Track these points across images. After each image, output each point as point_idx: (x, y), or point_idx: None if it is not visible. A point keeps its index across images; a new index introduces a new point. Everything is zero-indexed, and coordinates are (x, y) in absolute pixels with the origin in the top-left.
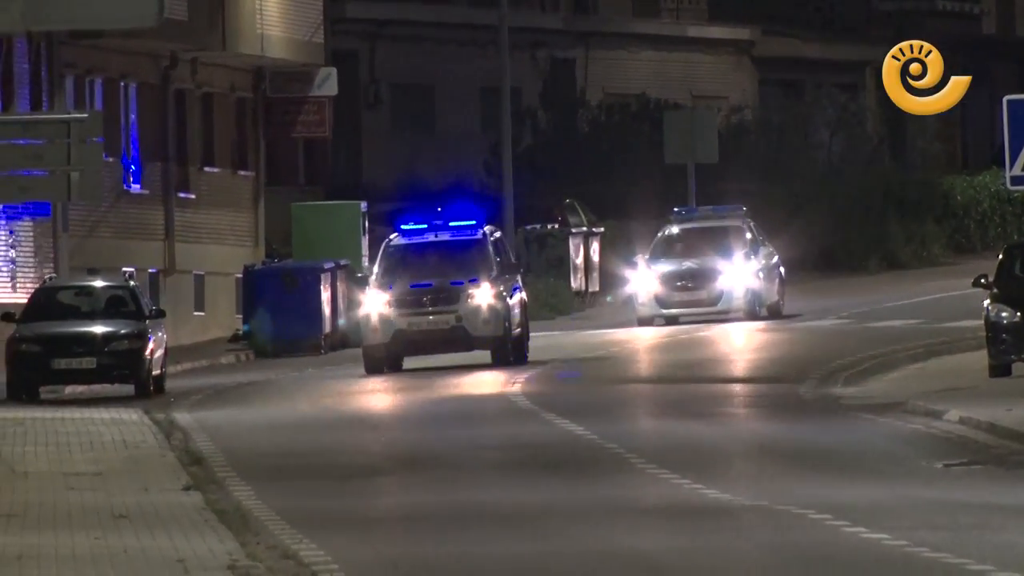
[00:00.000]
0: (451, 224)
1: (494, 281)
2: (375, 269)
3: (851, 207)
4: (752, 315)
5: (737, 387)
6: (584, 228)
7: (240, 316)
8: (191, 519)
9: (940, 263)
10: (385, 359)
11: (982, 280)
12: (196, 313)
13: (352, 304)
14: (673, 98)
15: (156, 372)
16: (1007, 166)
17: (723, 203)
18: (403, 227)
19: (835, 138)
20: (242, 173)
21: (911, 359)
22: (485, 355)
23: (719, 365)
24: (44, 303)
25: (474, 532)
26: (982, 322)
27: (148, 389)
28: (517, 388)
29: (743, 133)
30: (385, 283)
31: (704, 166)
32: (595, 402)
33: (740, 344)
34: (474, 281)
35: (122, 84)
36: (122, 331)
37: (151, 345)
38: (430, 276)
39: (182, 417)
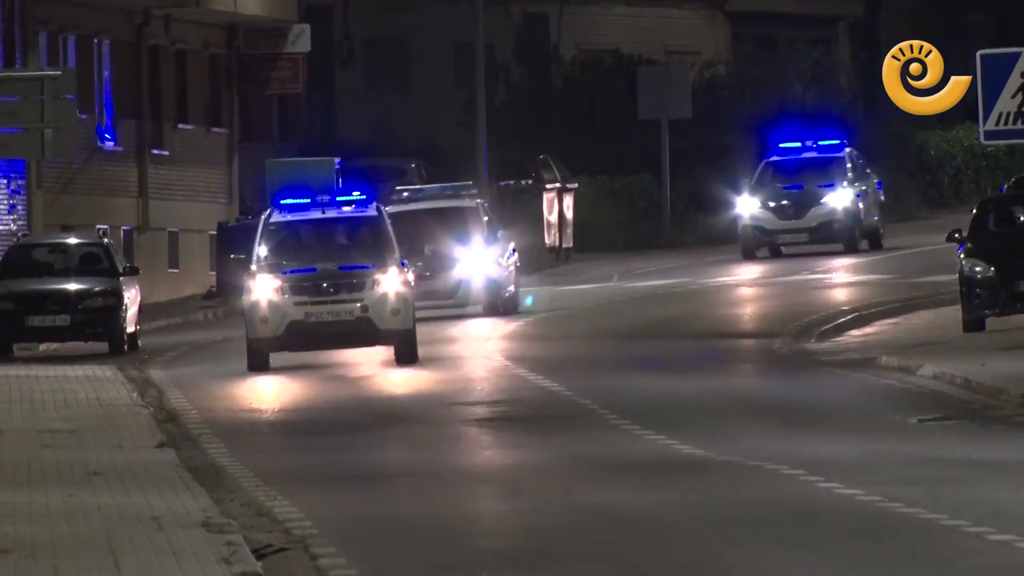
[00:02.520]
0: (339, 199)
1: (401, 266)
2: (256, 250)
3: None
4: (492, 309)
5: (711, 343)
6: (558, 184)
7: (214, 273)
8: (165, 476)
9: (914, 217)
10: (273, 354)
11: (956, 235)
12: (170, 270)
13: None
14: (646, 53)
15: (130, 329)
16: (980, 120)
17: (704, 158)
18: (283, 202)
19: (808, 93)
20: (216, 130)
21: (885, 314)
22: (376, 351)
23: (693, 321)
24: (18, 260)
25: (449, 489)
26: (956, 277)
27: (122, 346)
28: (491, 345)
29: (717, 88)
30: (275, 266)
31: (678, 121)
32: (568, 358)
33: (714, 299)
34: (375, 267)
35: (95, 41)
36: (96, 288)
37: (125, 302)
38: (322, 259)
39: (156, 374)
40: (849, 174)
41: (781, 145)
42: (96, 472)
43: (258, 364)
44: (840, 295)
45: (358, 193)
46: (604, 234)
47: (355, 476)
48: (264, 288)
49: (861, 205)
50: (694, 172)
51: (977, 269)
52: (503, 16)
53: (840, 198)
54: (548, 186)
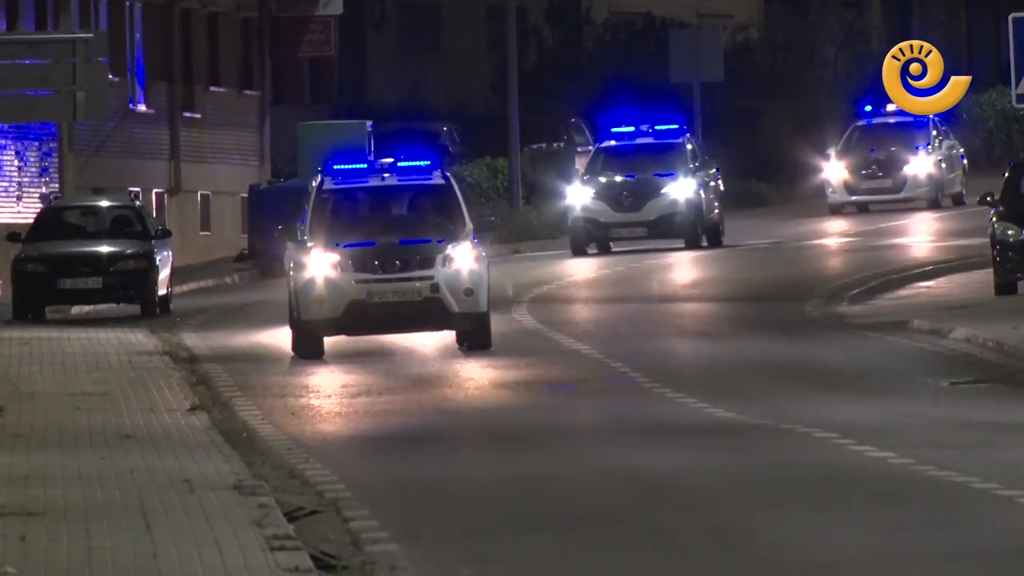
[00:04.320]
0: (399, 165)
1: (474, 240)
2: (308, 221)
3: None
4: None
5: (742, 306)
6: (590, 147)
7: (246, 236)
8: (197, 439)
9: None
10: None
11: (988, 198)
12: (202, 233)
13: None
14: (678, 17)
15: (162, 292)
16: (1013, 84)
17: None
18: (336, 167)
19: (840, 56)
20: (248, 92)
21: (917, 277)
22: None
23: (724, 284)
24: (50, 223)
25: (481, 452)
26: (988, 240)
27: (154, 309)
28: (524, 309)
29: (749, 51)
30: (331, 239)
31: (709, 84)
32: (600, 320)
33: (745, 263)
34: (445, 241)
35: (127, 4)
36: (128, 251)
37: (157, 265)
38: (382, 231)
39: (188, 337)
40: (690, 163)
41: (614, 130)
42: (128, 435)
43: (310, 350)
44: (872, 258)
45: (396, 158)
46: None
47: (388, 439)
48: (320, 263)
49: (703, 196)
50: (729, 136)
51: (1009, 232)
52: None
53: (681, 188)
54: (580, 149)
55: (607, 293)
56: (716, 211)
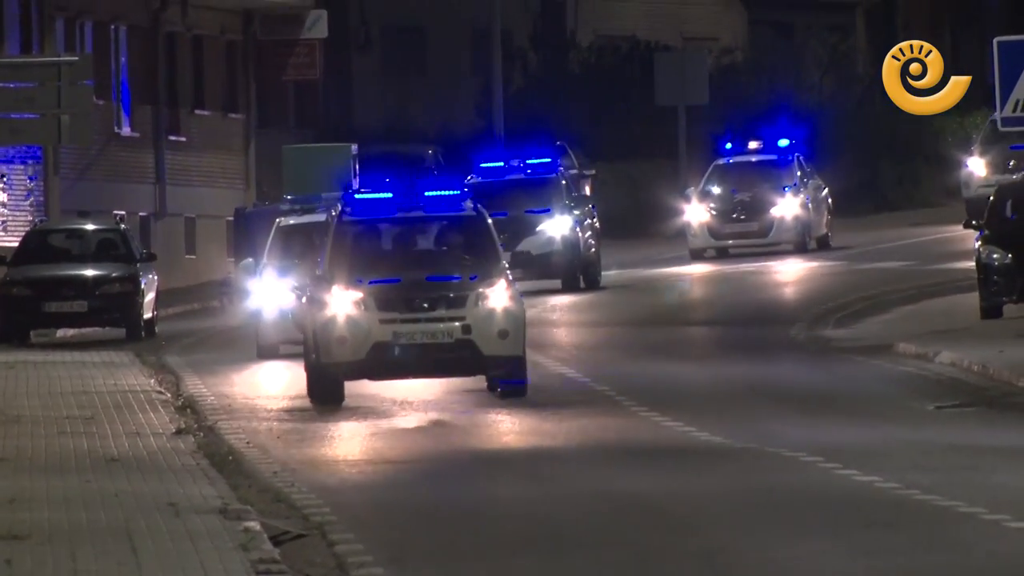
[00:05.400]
0: (427, 194)
1: (509, 278)
2: (326, 254)
3: (841, 149)
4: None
5: (728, 329)
6: (575, 171)
7: (231, 260)
8: (182, 463)
9: (931, 204)
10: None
11: (973, 222)
12: (187, 256)
13: None
14: (663, 40)
15: (147, 315)
16: (998, 107)
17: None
18: (356, 196)
19: (825, 79)
20: (233, 116)
21: (902, 301)
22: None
23: (709, 307)
24: (35, 246)
25: (469, 475)
26: (973, 264)
27: (139, 332)
28: None
29: (734, 74)
30: (352, 275)
31: (694, 107)
32: (585, 344)
33: (730, 287)
34: (477, 278)
35: (112, 27)
36: (113, 274)
37: (142, 288)
38: (407, 267)
39: (173, 360)
40: (565, 199)
41: (482, 165)
42: (113, 458)
43: (329, 395)
44: (857, 281)
45: (369, 182)
46: (622, 221)
47: (373, 462)
48: (342, 301)
49: (580, 234)
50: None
51: (994, 256)
52: (520, 2)
53: (557, 226)
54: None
55: (594, 317)
56: (593, 250)
